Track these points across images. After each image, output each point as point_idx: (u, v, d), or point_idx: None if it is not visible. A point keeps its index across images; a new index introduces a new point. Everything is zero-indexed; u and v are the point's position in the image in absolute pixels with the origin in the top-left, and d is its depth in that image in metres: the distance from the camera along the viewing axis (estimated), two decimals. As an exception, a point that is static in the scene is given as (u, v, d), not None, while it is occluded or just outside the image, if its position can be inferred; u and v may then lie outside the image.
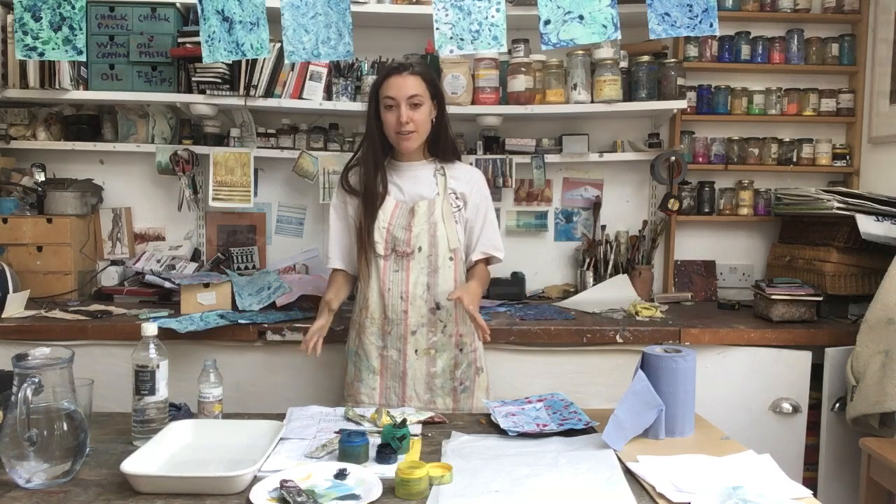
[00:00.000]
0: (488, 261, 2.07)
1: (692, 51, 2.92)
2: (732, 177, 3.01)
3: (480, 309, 2.39)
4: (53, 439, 1.24)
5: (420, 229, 1.93)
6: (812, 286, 2.51)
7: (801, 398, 2.34)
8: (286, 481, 1.22)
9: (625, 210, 3.04)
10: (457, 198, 1.99)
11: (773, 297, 2.44)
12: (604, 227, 2.98)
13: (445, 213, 1.95)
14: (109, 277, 2.76)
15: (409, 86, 1.87)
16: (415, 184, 1.97)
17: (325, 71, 2.72)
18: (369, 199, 1.94)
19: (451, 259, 1.95)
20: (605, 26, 1.69)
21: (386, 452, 1.36)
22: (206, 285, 2.44)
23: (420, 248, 1.93)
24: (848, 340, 2.27)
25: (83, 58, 1.80)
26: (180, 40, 2.61)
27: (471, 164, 2.64)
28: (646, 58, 2.75)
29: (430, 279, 1.94)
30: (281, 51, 2.26)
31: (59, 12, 1.74)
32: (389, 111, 1.90)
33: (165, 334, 2.11)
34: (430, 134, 1.97)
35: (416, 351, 1.94)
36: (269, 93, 2.69)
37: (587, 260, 2.91)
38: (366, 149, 1.98)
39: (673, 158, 2.80)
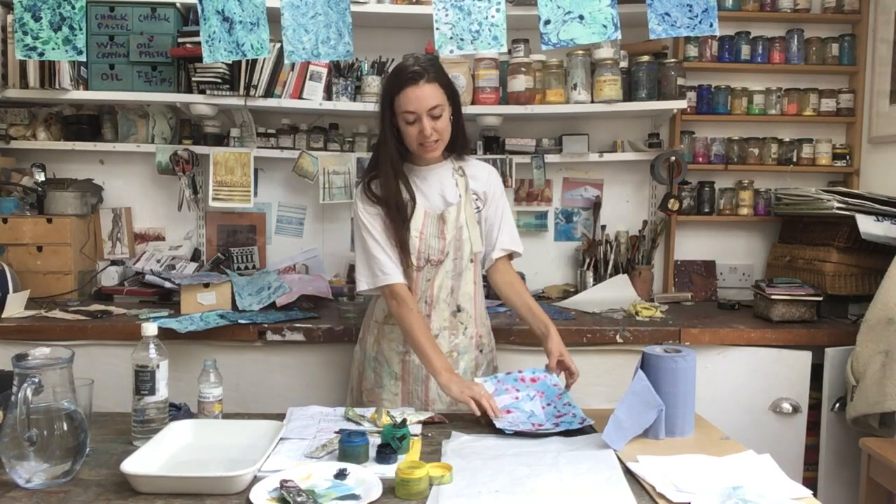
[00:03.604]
0: (510, 256, 2.03)
1: (692, 51, 2.92)
2: (732, 177, 3.01)
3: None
4: (53, 439, 1.24)
5: (451, 235, 1.88)
6: (812, 286, 2.51)
7: (801, 398, 2.34)
8: (286, 481, 1.22)
9: (625, 210, 3.04)
10: (477, 198, 1.94)
11: (773, 297, 2.44)
12: (604, 227, 2.98)
13: (469, 217, 1.90)
14: (109, 277, 2.76)
15: (428, 96, 1.76)
16: (438, 188, 1.90)
17: (325, 71, 2.72)
18: (396, 210, 1.84)
19: (471, 262, 1.93)
20: (605, 26, 1.69)
21: (386, 452, 1.36)
22: (206, 285, 2.44)
23: (448, 254, 1.89)
24: (848, 340, 2.26)
25: (83, 58, 1.80)
26: (180, 40, 2.61)
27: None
28: (646, 58, 2.75)
29: (453, 282, 1.91)
30: (281, 51, 2.26)
31: (59, 12, 1.74)
32: (411, 124, 1.79)
33: (165, 334, 2.11)
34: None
35: None
36: (269, 93, 2.69)
37: (587, 260, 2.91)
38: (383, 161, 1.86)
39: (673, 158, 2.80)
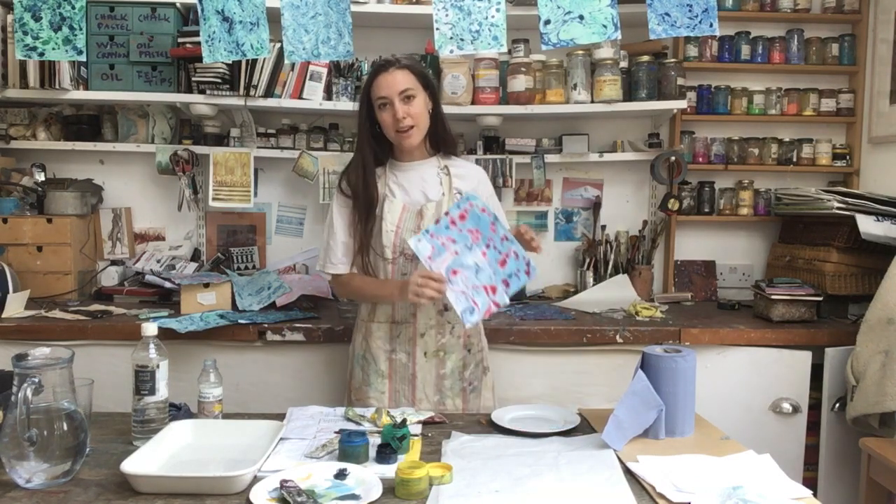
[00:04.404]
0: None
1: (692, 51, 2.92)
2: (732, 177, 3.01)
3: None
4: (53, 439, 1.24)
5: None
6: (812, 286, 2.51)
7: (801, 398, 2.34)
8: (286, 481, 1.22)
9: (625, 210, 3.04)
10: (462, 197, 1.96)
11: (773, 297, 2.44)
12: (604, 227, 2.98)
13: None
14: (109, 277, 2.76)
15: (398, 81, 1.82)
16: (420, 184, 1.93)
17: (325, 71, 2.72)
18: (362, 206, 1.90)
19: None
20: (605, 26, 1.69)
21: (386, 452, 1.36)
22: (206, 285, 2.44)
23: None
24: (848, 340, 2.27)
25: (83, 58, 1.80)
26: (180, 40, 2.61)
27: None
28: (646, 58, 2.75)
29: None
30: (281, 51, 2.26)
31: (59, 12, 1.74)
32: (384, 110, 1.84)
33: (165, 334, 2.11)
34: (429, 127, 1.93)
35: (425, 353, 1.93)
36: (269, 93, 2.69)
37: (587, 260, 2.91)
38: (356, 156, 1.93)
39: (673, 158, 2.80)
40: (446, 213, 1.76)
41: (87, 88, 2.68)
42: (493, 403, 2.00)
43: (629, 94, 2.76)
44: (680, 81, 2.75)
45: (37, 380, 1.22)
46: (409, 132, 1.86)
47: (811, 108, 2.95)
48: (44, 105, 2.84)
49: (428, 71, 1.95)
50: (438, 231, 1.74)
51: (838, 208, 2.45)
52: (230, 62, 2.59)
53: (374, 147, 1.92)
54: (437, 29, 1.72)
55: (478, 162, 2.81)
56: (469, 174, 2.00)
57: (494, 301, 1.71)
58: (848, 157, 2.95)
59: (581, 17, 1.69)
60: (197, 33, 2.08)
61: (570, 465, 1.35)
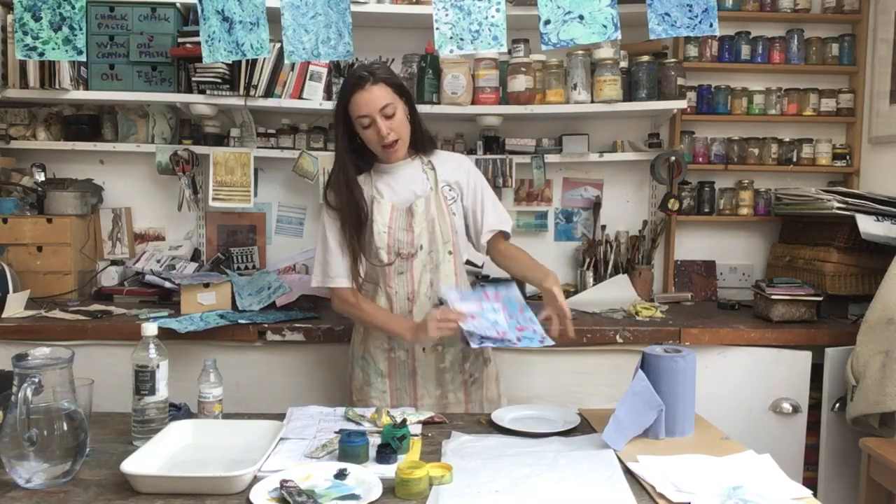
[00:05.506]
0: (504, 238, 2.02)
1: (692, 51, 2.92)
2: (732, 177, 3.01)
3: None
4: (53, 439, 1.24)
5: (421, 228, 1.90)
6: (812, 286, 2.51)
7: (801, 398, 2.34)
8: (286, 481, 1.22)
9: (625, 210, 3.04)
10: (451, 189, 1.96)
11: (773, 297, 2.44)
12: (604, 227, 2.98)
13: (441, 208, 1.93)
14: (109, 277, 2.76)
15: (377, 97, 1.81)
16: (406, 183, 1.93)
17: (325, 71, 2.72)
18: (351, 217, 1.89)
19: (450, 253, 1.93)
20: (605, 26, 1.69)
21: (386, 452, 1.36)
22: (206, 285, 2.44)
23: (421, 247, 1.91)
24: (848, 340, 2.26)
25: (83, 58, 1.79)
26: (180, 40, 2.61)
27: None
28: (646, 58, 2.75)
29: (432, 276, 1.92)
30: (281, 51, 2.26)
31: (59, 12, 1.74)
32: (367, 129, 1.84)
33: (165, 334, 2.11)
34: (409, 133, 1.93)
35: (423, 349, 1.93)
36: (269, 93, 2.69)
37: (587, 260, 2.91)
38: (336, 172, 1.92)
39: (673, 158, 2.80)
40: (482, 286, 1.87)
41: (87, 88, 2.68)
42: (498, 394, 2.00)
43: (629, 94, 2.76)
44: (680, 81, 2.75)
45: (37, 380, 1.22)
46: (395, 146, 1.87)
47: (811, 108, 2.95)
48: (44, 105, 2.84)
49: (400, 78, 1.96)
50: (469, 294, 1.84)
51: (838, 208, 2.45)
52: (230, 62, 2.59)
53: (353, 159, 1.91)
54: (437, 29, 1.72)
55: (478, 162, 2.81)
56: (453, 164, 2.00)
57: (502, 331, 1.75)
58: (848, 157, 2.95)
59: (581, 17, 1.69)
60: (197, 33, 2.08)
61: (570, 465, 1.35)
